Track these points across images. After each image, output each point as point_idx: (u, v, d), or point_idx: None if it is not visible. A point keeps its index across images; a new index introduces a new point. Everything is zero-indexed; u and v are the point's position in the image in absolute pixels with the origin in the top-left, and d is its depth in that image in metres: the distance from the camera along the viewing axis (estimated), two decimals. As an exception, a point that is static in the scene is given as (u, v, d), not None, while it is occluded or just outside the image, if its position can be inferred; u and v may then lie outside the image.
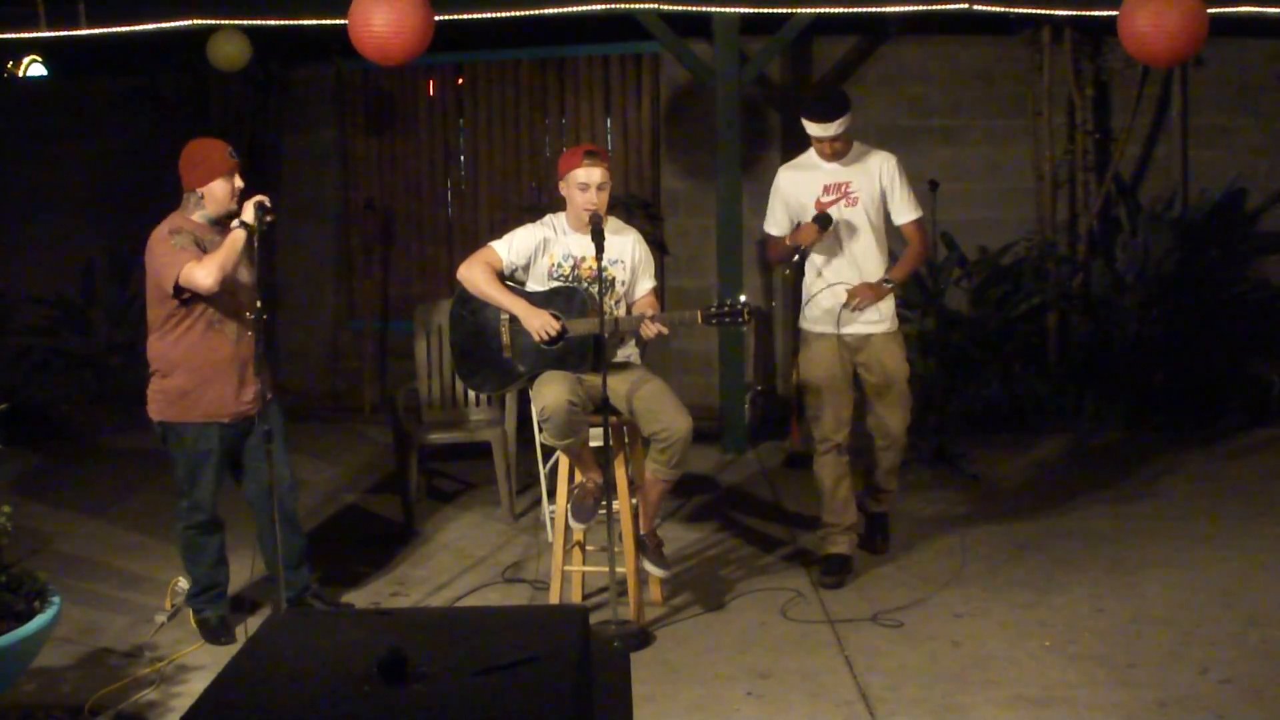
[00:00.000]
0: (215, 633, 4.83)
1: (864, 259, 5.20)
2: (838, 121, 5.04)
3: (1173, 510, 6.18)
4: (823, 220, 5.08)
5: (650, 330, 4.68)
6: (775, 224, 5.34)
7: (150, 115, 8.91)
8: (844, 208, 5.15)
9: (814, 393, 5.29)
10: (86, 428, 8.37)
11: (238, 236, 4.54)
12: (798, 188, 5.24)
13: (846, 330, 5.19)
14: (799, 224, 5.22)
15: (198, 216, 4.69)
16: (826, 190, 5.17)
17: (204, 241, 4.62)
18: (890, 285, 5.19)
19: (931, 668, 4.47)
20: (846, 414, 5.29)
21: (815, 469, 5.38)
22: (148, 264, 4.64)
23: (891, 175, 5.19)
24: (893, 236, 5.34)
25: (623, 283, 4.91)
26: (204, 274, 4.48)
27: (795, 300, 8.46)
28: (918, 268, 5.70)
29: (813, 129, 5.10)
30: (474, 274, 4.86)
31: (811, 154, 5.26)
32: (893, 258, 5.35)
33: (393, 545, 5.96)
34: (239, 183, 4.66)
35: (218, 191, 4.65)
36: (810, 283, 5.30)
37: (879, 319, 5.20)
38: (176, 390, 4.67)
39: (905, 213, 5.24)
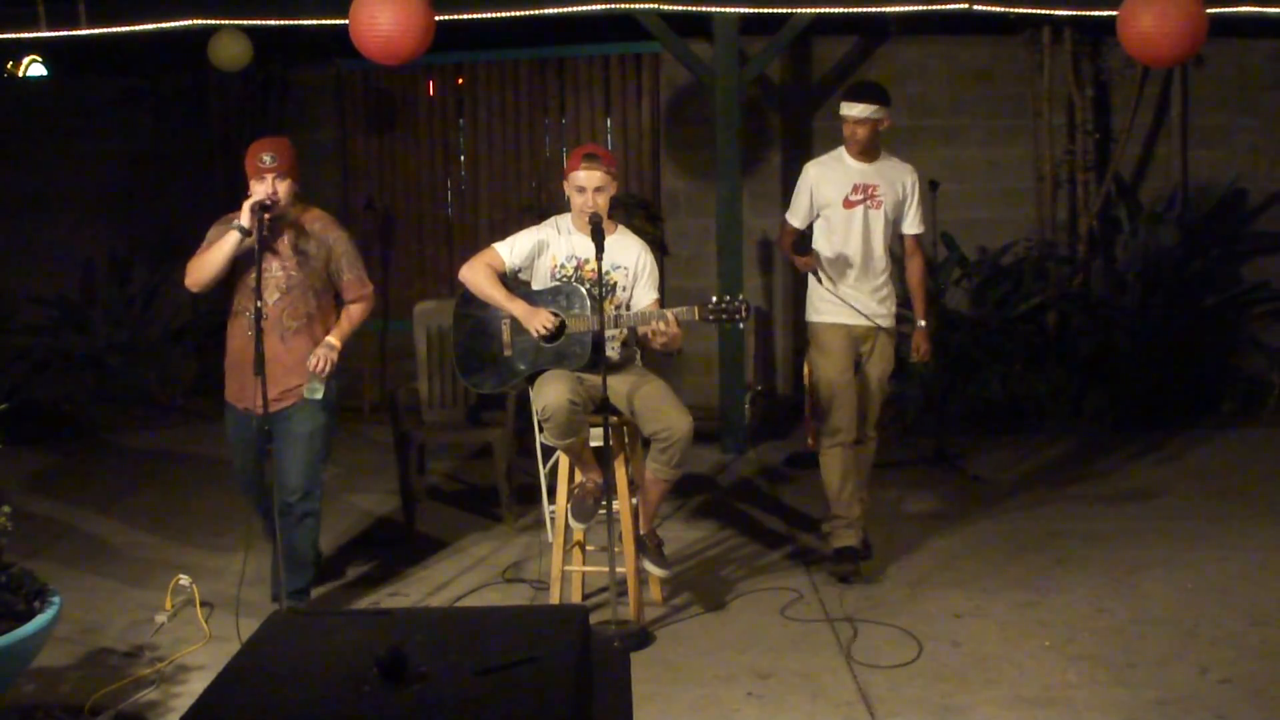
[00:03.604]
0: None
1: (876, 261, 5.37)
2: (865, 105, 5.20)
3: (1173, 510, 6.18)
4: (804, 250, 5.35)
5: (658, 340, 4.67)
6: (797, 216, 5.44)
7: (150, 115, 8.92)
8: (869, 209, 5.32)
9: (827, 387, 5.36)
10: (87, 428, 8.37)
11: (227, 239, 4.65)
12: (827, 183, 5.35)
13: (859, 321, 5.33)
14: (806, 232, 5.41)
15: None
16: (855, 189, 5.32)
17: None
18: (927, 326, 5.53)
19: (931, 668, 4.46)
20: (855, 408, 5.38)
21: (823, 463, 5.41)
22: None
23: (914, 187, 5.41)
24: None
25: (624, 288, 4.91)
26: (187, 273, 4.75)
27: (795, 300, 8.53)
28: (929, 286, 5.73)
29: (843, 108, 5.28)
30: (475, 275, 4.87)
31: (842, 151, 5.37)
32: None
33: (393, 545, 5.96)
34: (269, 187, 4.66)
35: (253, 191, 4.74)
36: (823, 279, 5.38)
37: (886, 314, 5.39)
38: (226, 372, 4.94)
39: (915, 226, 5.45)
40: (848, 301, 5.30)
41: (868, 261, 5.35)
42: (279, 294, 4.76)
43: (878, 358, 5.40)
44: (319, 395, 4.79)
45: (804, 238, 5.45)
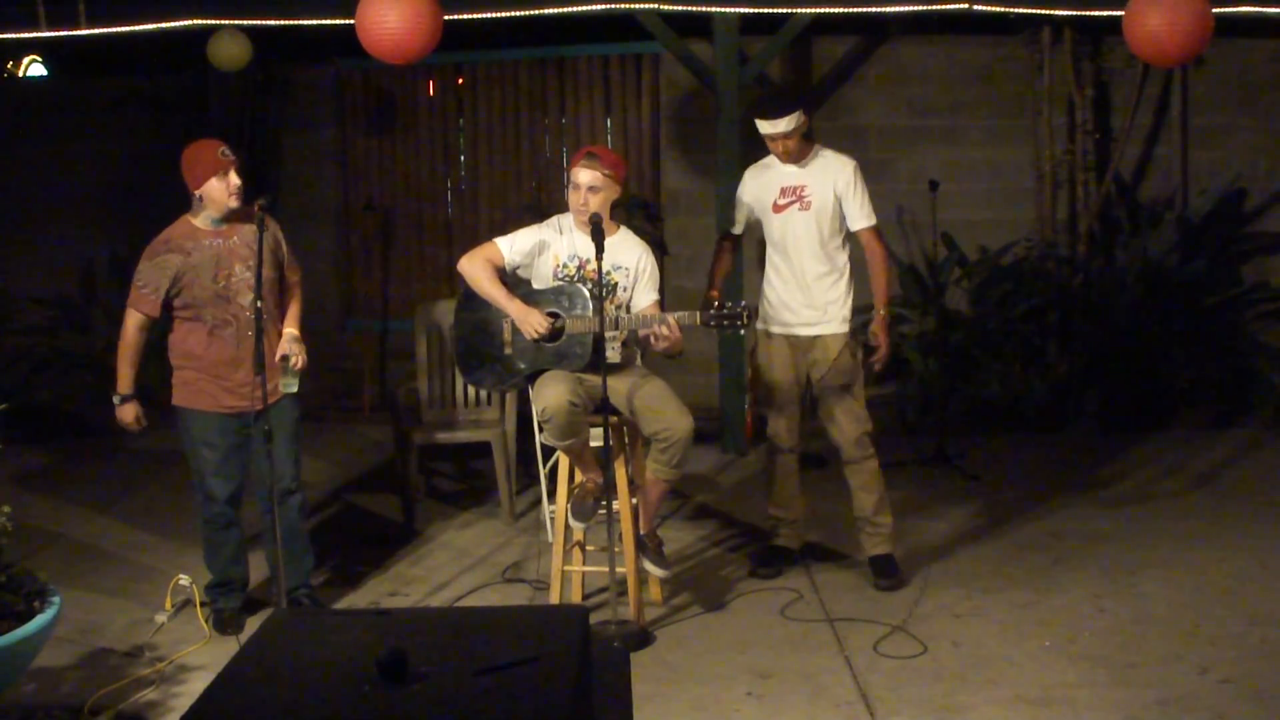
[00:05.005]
0: (224, 625, 4.94)
1: (814, 265, 5.21)
2: (786, 118, 5.06)
3: (1173, 510, 6.18)
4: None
5: (660, 344, 4.67)
6: (736, 224, 5.46)
7: (150, 115, 8.91)
8: (797, 211, 5.20)
9: (765, 393, 5.40)
10: (87, 428, 8.36)
11: (124, 379, 4.82)
12: (758, 188, 5.32)
13: (797, 331, 5.26)
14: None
15: (200, 220, 4.80)
16: (783, 192, 5.23)
17: (186, 265, 4.73)
18: (885, 314, 5.26)
19: (931, 668, 4.47)
20: (798, 419, 5.39)
21: (767, 464, 5.50)
22: None
23: (848, 181, 5.18)
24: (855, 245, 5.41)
25: (624, 289, 4.91)
26: (126, 327, 4.82)
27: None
28: (891, 277, 5.53)
29: (762, 126, 5.14)
30: (474, 268, 4.87)
31: (773, 156, 5.30)
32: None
33: (393, 545, 5.96)
34: (235, 179, 4.71)
35: (213, 192, 4.72)
36: (766, 285, 5.38)
37: (827, 319, 5.22)
38: (184, 380, 4.89)
39: (859, 219, 5.22)
40: (788, 307, 5.23)
41: (804, 266, 5.21)
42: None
43: (826, 367, 5.23)
44: (295, 389, 4.88)
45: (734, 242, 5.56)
